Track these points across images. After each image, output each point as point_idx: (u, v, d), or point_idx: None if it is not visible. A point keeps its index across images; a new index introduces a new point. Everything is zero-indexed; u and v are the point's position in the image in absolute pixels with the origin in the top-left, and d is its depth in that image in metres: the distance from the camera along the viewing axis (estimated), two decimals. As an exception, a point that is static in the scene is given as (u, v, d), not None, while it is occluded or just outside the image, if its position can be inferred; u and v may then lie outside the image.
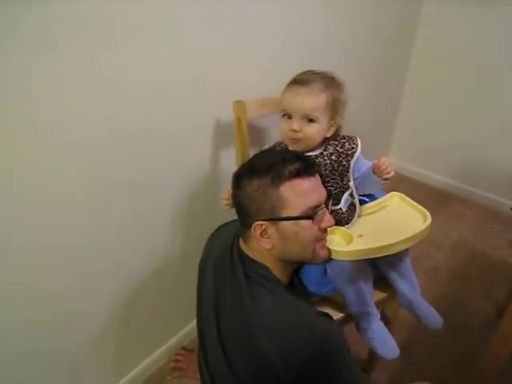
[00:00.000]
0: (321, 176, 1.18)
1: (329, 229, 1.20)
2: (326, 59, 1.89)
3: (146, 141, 1.34)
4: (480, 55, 2.63)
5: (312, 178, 1.04)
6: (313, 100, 1.15)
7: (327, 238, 1.15)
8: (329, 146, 1.24)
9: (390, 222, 1.26)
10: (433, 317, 1.32)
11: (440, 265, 2.45)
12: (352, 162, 1.23)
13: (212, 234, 1.33)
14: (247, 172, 1.04)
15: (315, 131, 1.19)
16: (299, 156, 1.06)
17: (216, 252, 1.19)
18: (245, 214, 1.05)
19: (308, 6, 1.80)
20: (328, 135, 1.23)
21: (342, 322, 1.34)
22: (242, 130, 1.45)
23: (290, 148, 1.23)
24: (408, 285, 1.34)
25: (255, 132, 1.73)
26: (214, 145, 1.59)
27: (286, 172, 0.99)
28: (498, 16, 2.48)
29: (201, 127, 1.53)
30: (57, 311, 1.31)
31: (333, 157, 1.22)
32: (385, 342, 1.29)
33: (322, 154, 1.23)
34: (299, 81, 1.18)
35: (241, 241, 1.12)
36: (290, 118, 1.19)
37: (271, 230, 1.02)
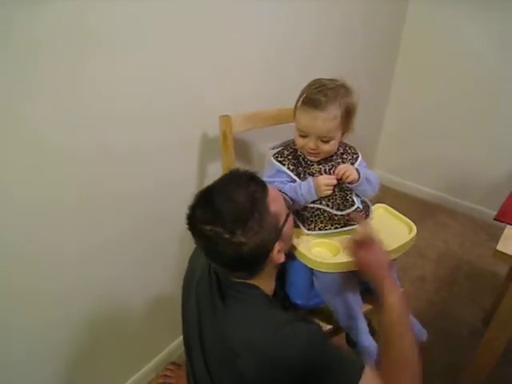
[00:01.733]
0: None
1: (316, 241, 1.22)
2: (313, 74, 1.91)
3: (133, 154, 1.35)
4: (467, 67, 2.67)
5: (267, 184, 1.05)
6: (330, 124, 1.18)
7: (314, 250, 1.18)
8: (337, 151, 1.29)
9: (377, 233, 1.27)
10: (417, 329, 1.33)
11: (426, 274, 2.47)
12: (356, 164, 1.30)
13: (195, 249, 1.31)
14: (235, 227, 0.93)
15: (332, 147, 1.23)
16: (248, 175, 1.03)
17: (200, 268, 1.18)
18: (253, 259, 1.00)
19: (297, 21, 1.83)
20: (343, 140, 1.29)
21: (331, 334, 1.34)
22: (227, 144, 1.46)
23: (308, 157, 1.26)
24: None
25: (241, 146, 1.74)
26: (200, 159, 1.60)
27: (259, 195, 0.98)
28: (487, 24, 2.50)
29: (187, 141, 1.54)
30: (46, 319, 1.30)
31: (344, 156, 1.30)
32: (374, 355, 1.28)
33: (336, 153, 1.28)
34: (315, 102, 1.16)
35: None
36: (305, 136, 1.21)
37: (281, 244, 1.03)
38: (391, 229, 1.30)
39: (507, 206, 1.45)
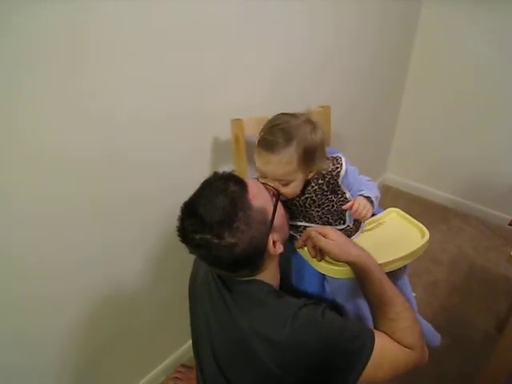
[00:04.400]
0: (313, 202, 1.21)
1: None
2: (327, 79, 1.90)
3: (145, 159, 1.35)
4: (480, 68, 2.65)
5: (246, 179, 1.04)
6: (284, 168, 1.11)
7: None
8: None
9: (388, 238, 1.27)
10: (431, 334, 1.31)
11: (439, 280, 2.45)
12: (339, 181, 1.21)
13: None
14: (221, 230, 0.93)
15: (293, 189, 1.16)
16: (223, 178, 1.01)
17: (203, 270, 1.18)
18: (250, 258, 0.99)
19: (312, 30, 1.84)
20: (309, 177, 1.20)
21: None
22: (239, 147, 1.46)
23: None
24: None
25: (253, 150, 1.73)
26: (212, 163, 1.60)
27: (239, 194, 0.97)
28: (500, 25, 2.48)
29: (199, 145, 1.54)
30: (54, 323, 1.31)
31: (319, 181, 1.21)
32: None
33: (309, 182, 1.21)
34: (268, 145, 1.11)
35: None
36: (264, 177, 1.16)
37: (275, 235, 1.03)
38: (403, 234, 1.29)
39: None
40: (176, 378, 1.66)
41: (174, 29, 1.27)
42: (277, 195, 1.09)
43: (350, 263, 1.09)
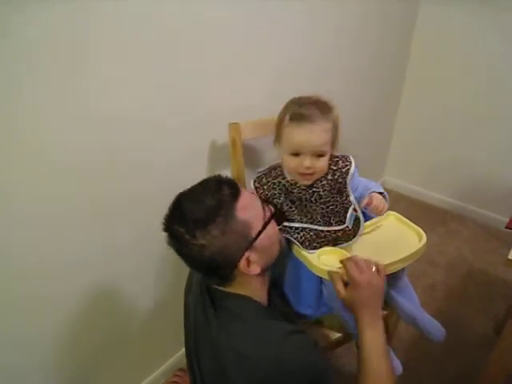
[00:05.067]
0: (320, 197, 1.21)
1: (324, 249, 1.21)
2: (326, 82, 1.91)
3: (142, 161, 1.36)
4: (479, 72, 2.65)
5: (243, 190, 1.02)
6: (325, 137, 1.14)
7: (322, 258, 1.18)
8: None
9: (386, 241, 1.27)
10: (435, 329, 1.31)
11: (437, 282, 2.45)
12: (348, 179, 1.24)
13: None
14: (195, 228, 0.94)
15: (325, 163, 1.19)
16: (219, 180, 1.02)
17: (195, 282, 1.18)
18: (219, 266, 0.99)
19: (310, 33, 1.85)
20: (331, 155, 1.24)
21: (340, 342, 1.34)
22: (237, 151, 1.47)
23: (300, 182, 1.22)
24: (407, 300, 1.33)
25: (251, 153, 1.74)
26: (210, 166, 1.61)
27: (228, 199, 0.96)
28: (500, 24, 2.48)
29: (196, 149, 1.54)
30: (55, 324, 1.32)
31: (328, 176, 1.24)
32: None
33: (322, 178, 1.23)
34: (307, 117, 1.13)
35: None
36: (297, 155, 1.16)
37: (253, 255, 0.99)
38: (401, 237, 1.29)
39: (519, 214, 1.44)
40: (174, 382, 1.66)
41: (174, 30, 1.28)
42: (270, 216, 1.05)
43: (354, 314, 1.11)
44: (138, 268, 1.52)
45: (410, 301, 1.33)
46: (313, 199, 1.22)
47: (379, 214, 1.25)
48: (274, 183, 1.24)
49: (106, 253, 1.38)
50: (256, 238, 0.99)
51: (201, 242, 0.93)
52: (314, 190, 1.22)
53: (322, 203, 1.23)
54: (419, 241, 1.25)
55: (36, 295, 1.23)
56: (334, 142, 1.20)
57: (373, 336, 1.08)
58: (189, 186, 1.03)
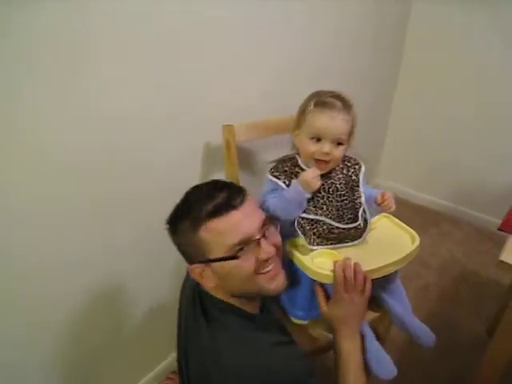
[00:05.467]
0: (336, 190, 1.22)
1: (318, 251, 1.21)
2: (325, 82, 1.91)
3: (137, 162, 1.36)
4: (471, 76, 2.68)
5: (234, 212, 0.95)
6: (344, 126, 1.17)
7: (316, 260, 1.18)
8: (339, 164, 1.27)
9: (379, 244, 1.27)
10: (425, 335, 1.31)
11: (430, 284, 2.46)
12: (360, 176, 1.27)
13: None
14: (174, 216, 1.00)
15: (341, 153, 1.21)
16: (223, 187, 0.99)
17: (189, 286, 1.17)
18: (185, 257, 1.02)
19: (307, 35, 1.87)
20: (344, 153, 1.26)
21: (330, 346, 1.33)
22: (231, 153, 1.47)
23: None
24: (399, 304, 1.33)
25: (245, 155, 1.74)
26: (204, 168, 1.61)
27: (203, 214, 0.93)
28: (494, 21, 2.50)
29: (190, 151, 1.55)
30: (46, 326, 1.31)
31: (344, 170, 1.26)
32: (382, 362, 1.25)
33: (333, 169, 1.25)
34: (332, 104, 1.16)
35: None
36: (318, 140, 1.19)
37: (207, 271, 0.98)
38: (394, 239, 1.29)
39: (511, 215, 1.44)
40: (167, 384, 1.65)
41: (174, 30, 1.29)
42: (232, 255, 0.95)
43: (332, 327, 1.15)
44: (137, 268, 1.53)
45: (401, 305, 1.34)
46: (330, 190, 1.23)
47: (389, 209, 1.28)
48: (292, 172, 1.24)
49: (105, 253, 1.39)
50: (208, 261, 0.96)
51: (175, 230, 1.00)
52: (332, 181, 1.24)
53: (338, 196, 1.23)
54: (412, 243, 1.26)
55: (36, 295, 1.23)
56: (350, 138, 1.22)
57: (351, 349, 1.11)
58: (184, 187, 1.04)
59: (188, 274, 1.24)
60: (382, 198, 1.25)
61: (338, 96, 1.19)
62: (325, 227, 1.22)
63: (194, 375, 1.02)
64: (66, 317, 1.35)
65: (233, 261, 0.95)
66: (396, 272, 1.30)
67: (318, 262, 1.19)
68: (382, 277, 1.18)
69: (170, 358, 1.86)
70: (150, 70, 1.27)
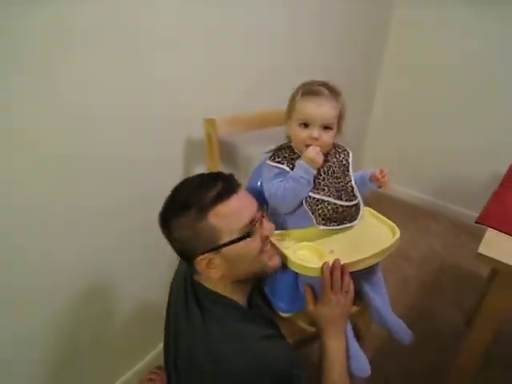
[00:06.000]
0: (333, 172, 1.26)
1: (300, 245, 1.22)
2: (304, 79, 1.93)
3: (117, 158, 1.35)
4: (453, 67, 2.73)
5: (235, 196, 0.99)
6: (331, 111, 1.20)
7: (299, 253, 1.19)
8: (331, 147, 1.30)
9: (360, 236, 1.28)
10: (403, 331, 1.33)
11: (410, 277, 2.49)
12: (350, 161, 1.32)
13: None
14: (171, 211, 1.00)
15: (331, 138, 1.24)
16: (216, 177, 1.03)
17: (180, 276, 1.17)
18: (184, 253, 1.02)
19: (292, 28, 1.89)
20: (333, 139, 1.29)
21: (314, 337, 1.35)
22: (212, 147, 1.46)
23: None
24: (380, 298, 1.36)
25: (227, 150, 1.74)
26: (186, 162, 1.60)
27: (208, 201, 0.95)
28: (473, 18, 2.55)
29: (171, 145, 1.54)
30: (31, 320, 1.30)
31: (337, 155, 1.31)
32: (358, 360, 1.26)
33: (329, 153, 1.29)
34: (317, 92, 1.20)
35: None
36: (306, 126, 1.22)
37: (216, 260, 0.99)
38: (374, 232, 1.31)
39: (489, 208, 1.47)
40: (151, 379, 1.64)
41: (149, 26, 1.28)
42: (245, 234, 0.99)
43: (317, 327, 1.18)
44: (126, 265, 1.53)
45: (382, 300, 1.36)
46: (329, 172, 1.26)
47: (385, 185, 1.31)
48: (292, 158, 1.26)
49: (93, 250, 1.39)
50: (220, 246, 0.98)
51: (172, 226, 0.98)
52: (330, 164, 1.27)
53: (335, 177, 1.27)
54: (393, 235, 1.27)
55: (22, 289, 1.23)
56: (339, 125, 1.26)
57: (336, 348, 1.14)
58: (166, 182, 1.04)
59: (180, 264, 1.24)
60: (381, 173, 1.29)
61: (325, 84, 1.22)
62: (329, 207, 1.24)
63: (183, 360, 1.03)
64: (53, 313, 1.35)
65: (243, 242, 0.98)
66: (377, 264, 1.32)
67: (301, 254, 1.19)
68: (364, 269, 1.20)
69: (154, 353, 1.86)
70: (130, 65, 1.26)
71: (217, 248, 0.97)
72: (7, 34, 0.96)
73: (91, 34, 1.14)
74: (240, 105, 1.65)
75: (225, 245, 0.97)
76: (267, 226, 1.07)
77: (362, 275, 1.31)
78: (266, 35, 1.75)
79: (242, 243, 0.98)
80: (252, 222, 1.00)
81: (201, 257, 0.98)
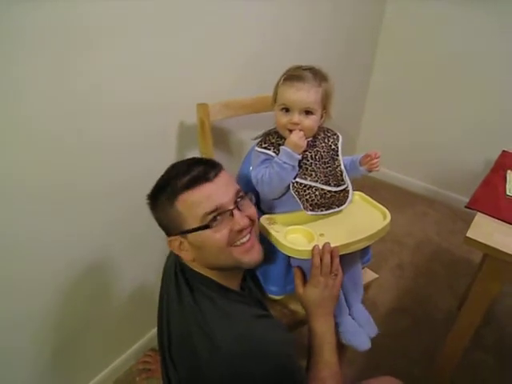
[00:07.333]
0: (321, 157, 1.27)
1: (290, 228, 1.23)
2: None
3: (109, 144, 1.36)
4: (444, 57, 2.73)
5: (207, 184, 0.98)
6: (313, 95, 1.20)
7: (290, 236, 1.20)
8: (319, 132, 1.30)
9: (351, 220, 1.30)
10: (368, 324, 1.35)
11: (405, 262, 2.51)
12: (339, 145, 1.32)
13: None
14: (152, 193, 1.04)
15: (313, 122, 1.23)
16: (197, 163, 1.03)
17: (170, 260, 1.19)
18: (164, 231, 1.05)
19: (282, 14, 1.88)
20: (321, 123, 1.29)
21: (304, 321, 1.36)
22: (205, 132, 1.47)
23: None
24: (353, 287, 1.36)
25: (220, 135, 1.75)
26: (178, 148, 1.61)
27: (179, 186, 0.97)
28: (463, 14, 2.56)
29: (164, 130, 1.55)
30: (26, 307, 1.32)
31: (325, 140, 1.31)
32: (357, 335, 1.30)
33: (317, 138, 1.29)
34: (298, 77, 1.20)
35: None
36: (287, 111, 1.22)
37: (185, 244, 1.01)
38: (366, 216, 1.32)
39: (478, 193, 1.49)
40: (145, 361, 1.66)
41: (144, 9, 1.28)
42: (212, 221, 0.98)
43: (305, 310, 1.19)
44: (123, 246, 1.56)
45: (355, 289, 1.37)
46: (317, 157, 1.27)
47: (375, 169, 1.32)
48: (279, 144, 1.26)
49: (91, 232, 1.42)
50: (182, 232, 1.00)
51: (154, 204, 1.03)
52: (317, 149, 1.28)
53: (323, 162, 1.27)
54: (384, 219, 1.29)
55: (12, 277, 1.24)
56: (325, 109, 1.26)
57: (325, 330, 1.15)
58: (159, 166, 1.05)
59: (169, 254, 1.26)
60: (375, 155, 1.29)
61: (310, 69, 1.23)
62: (317, 193, 1.25)
63: (176, 335, 1.04)
64: (52, 294, 1.38)
65: (206, 231, 0.97)
66: (359, 256, 1.35)
67: (291, 238, 1.21)
68: (352, 254, 1.22)
69: (149, 336, 1.89)
70: (121, 51, 1.27)
71: (180, 233, 1.00)
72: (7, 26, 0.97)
73: (84, 22, 1.14)
74: (233, 90, 1.65)
75: (188, 231, 0.99)
76: (239, 219, 1.01)
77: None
78: (257, 22, 1.75)
79: (206, 233, 0.98)
80: (214, 212, 0.97)
81: (171, 237, 1.02)
